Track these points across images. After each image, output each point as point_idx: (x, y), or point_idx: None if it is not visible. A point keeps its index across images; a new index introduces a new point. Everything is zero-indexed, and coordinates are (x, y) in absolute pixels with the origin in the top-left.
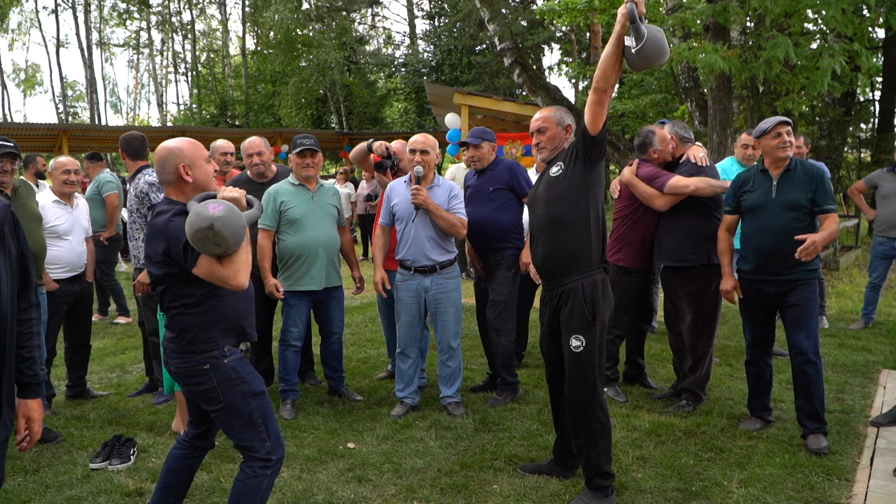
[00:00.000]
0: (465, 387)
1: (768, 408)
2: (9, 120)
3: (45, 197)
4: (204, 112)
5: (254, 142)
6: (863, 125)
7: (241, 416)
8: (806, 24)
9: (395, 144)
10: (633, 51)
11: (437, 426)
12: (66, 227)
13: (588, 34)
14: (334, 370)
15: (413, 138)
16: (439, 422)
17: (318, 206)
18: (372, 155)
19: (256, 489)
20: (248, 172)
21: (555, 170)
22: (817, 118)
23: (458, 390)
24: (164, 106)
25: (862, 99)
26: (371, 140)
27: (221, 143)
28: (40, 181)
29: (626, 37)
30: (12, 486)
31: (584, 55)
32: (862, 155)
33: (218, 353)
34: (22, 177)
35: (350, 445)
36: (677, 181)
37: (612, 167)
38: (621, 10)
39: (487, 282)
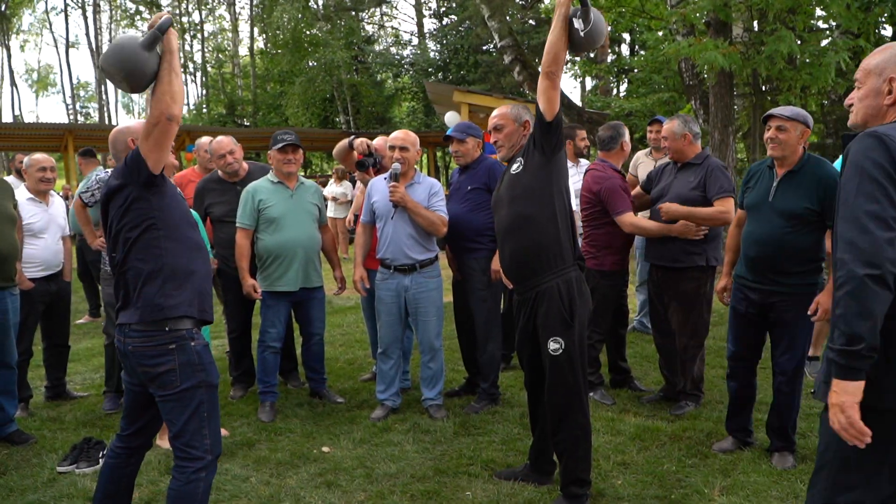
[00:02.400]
0: (446, 389)
1: (747, 429)
2: (20, 120)
3: (20, 195)
4: (212, 112)
5: (222, 142)
6: None
7: (191, 405)
8: (812, 21)
9: (378, 142)
10: (581, 33)
11: (416, 429)
12: (41, 226)
13: None
14: (315, 371)
15: (392, 135)
16: (419, 425)
17: (298, 204)
18: (354, 153)
19: (193, 494)
20: (220, 172)
21: (515, 167)
22: (825, 115)
23: (439, 392)
24: None
25: None
26: (352, 137)
27: (206, 141)
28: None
29: (574, 19)
30: None
31: (591, 54)
32: None
33: (186, 332)
34: (10, 175)
35: (325, 449)
36: (634, 222)
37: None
38: None
39: (464, 285)
